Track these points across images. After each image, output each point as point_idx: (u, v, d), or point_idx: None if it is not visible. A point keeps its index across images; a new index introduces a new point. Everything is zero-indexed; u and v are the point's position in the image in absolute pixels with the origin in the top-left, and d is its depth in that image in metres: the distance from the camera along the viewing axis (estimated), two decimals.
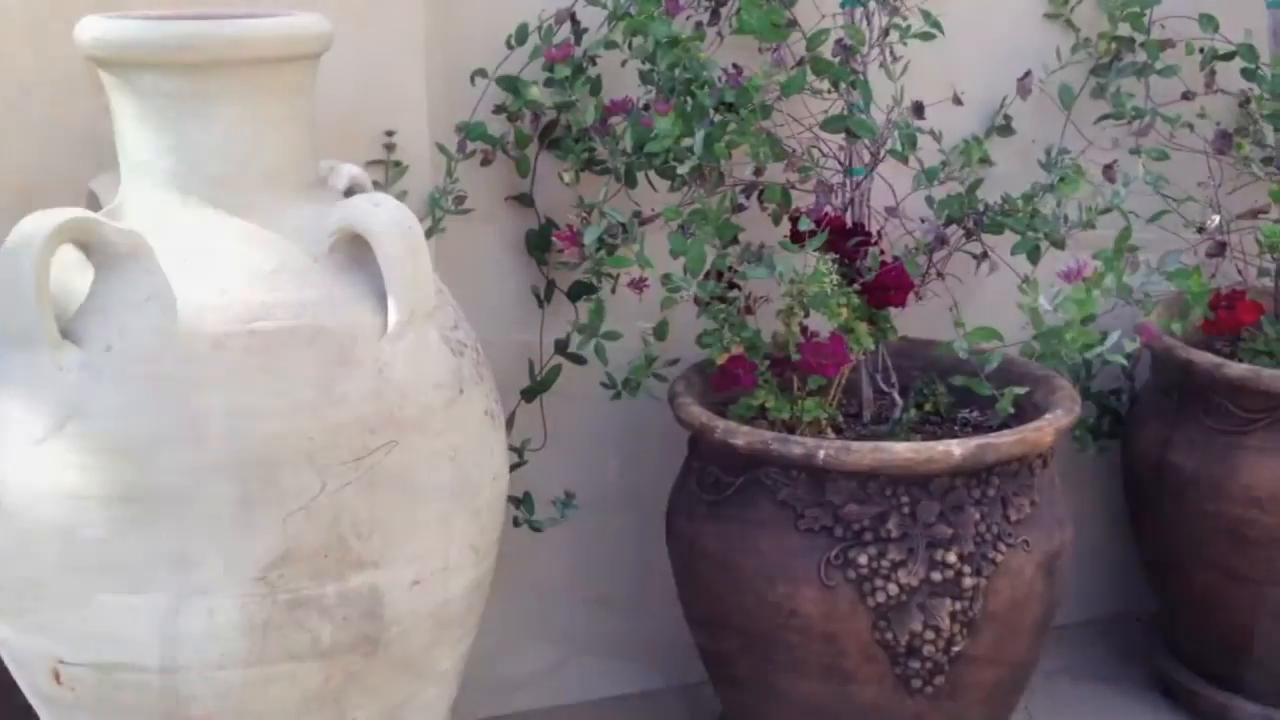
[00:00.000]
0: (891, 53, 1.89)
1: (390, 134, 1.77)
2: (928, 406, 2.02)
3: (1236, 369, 1.97)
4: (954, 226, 2.06)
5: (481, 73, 1.92)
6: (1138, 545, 2.25)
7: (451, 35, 1.94)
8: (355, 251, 1.34)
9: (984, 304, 2.08)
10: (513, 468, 2.02)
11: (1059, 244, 1.97)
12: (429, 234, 1.79)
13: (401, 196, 1.79)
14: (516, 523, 2.05)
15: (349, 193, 1.53)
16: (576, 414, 2.12)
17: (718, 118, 1.80)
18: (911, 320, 2.04)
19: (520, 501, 2.04)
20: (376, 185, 1.77)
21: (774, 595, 1.73)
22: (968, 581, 1.69)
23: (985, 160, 2.21)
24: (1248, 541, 1.98)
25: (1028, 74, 2.19)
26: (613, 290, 2.00)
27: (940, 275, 2.10)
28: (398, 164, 1.79)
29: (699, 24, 1.92)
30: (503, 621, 2.18)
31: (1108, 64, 2.22)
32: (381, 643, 1.33)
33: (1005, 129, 2.23)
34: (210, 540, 1.23)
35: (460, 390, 1.40)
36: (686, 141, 1.77)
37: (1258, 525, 1.96)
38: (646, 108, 1.84)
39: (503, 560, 2.13)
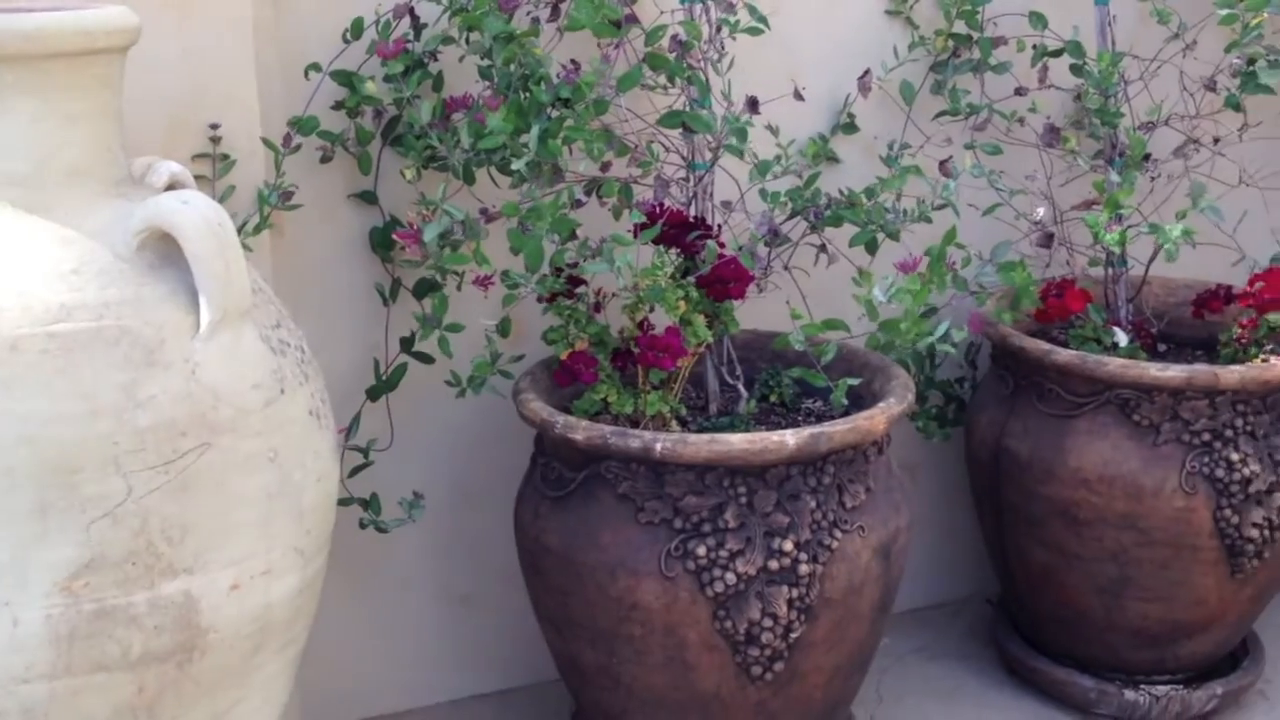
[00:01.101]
0: (721, 48, 1.91)
1: (215, 127, 1.73)
2: (773, 398, 2.04)
3: (1064, 355, 2.04)
4: (797, 220, 2.10)
5: (316, 67, 1.89)
6: (981, 528, 2.31)
7: (287, 29, 1.91)
8: (166, 250, 1.31)
9: (834, 296, 2.11)
10: (358, 468, 2.01)
11: (894, 236, 2.01)
12: (257, 230, 1.76)
13: (229, 192, 1.76)
14: (363, 524, 2.03)
15: (169, 189, 1.49)
16: (425, 413, 2.11)
17: (554, 113, 1.81)
18: (764, 313, 2.07)
19: (367, 503, 2.02)
20: (204, 181, 1.74)
21: (616, 589, 1.74)
22: (804, 568, 1.72)
23: (831, 157, 2.26)
24: (1079, 521, 2.05)
25: (867, 72, 2.23)
26: (459, 288, 1.99)
27: (786, 268, 2.14)
28: (226, 157, 1.75)
29: (536, 20, 1.92)
30: (357, 625, 2.16)
31: (945, 61, 2.28)
32: (198, 651, 1.30)
33: (850, 126, 2.27)
34: (8, 550, 1.19)
35: (281, 390, 1.38)
36: (524, 137, 1.77)
37: (1087, 505, 2.03)
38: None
39: (355, 563, 2.12)
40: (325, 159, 1.94)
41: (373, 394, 2.03)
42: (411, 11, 1.92)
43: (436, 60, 1.94)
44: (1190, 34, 2.19)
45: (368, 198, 2.01)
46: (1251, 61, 2.10)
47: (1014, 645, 2.29)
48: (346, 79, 1.90)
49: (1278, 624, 2.42)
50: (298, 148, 1.85)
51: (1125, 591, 2.07)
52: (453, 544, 2.20)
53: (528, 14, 1.94)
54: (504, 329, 1.96)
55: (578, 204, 1.88)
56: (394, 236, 1.92)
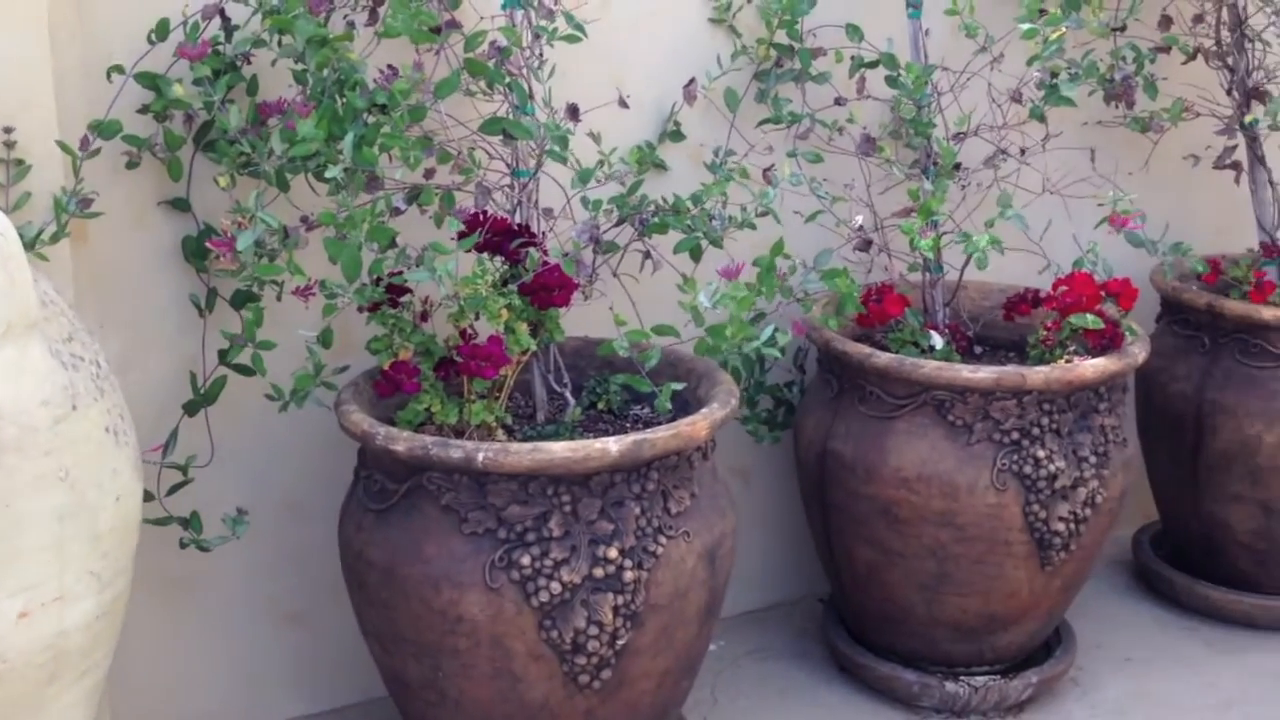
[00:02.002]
0: (541, 55, 1.91)
1: (9, 131, 1.65)
2: (601, 405, 2.05)
3: (883, 358, 2.10)
4: (624, 226, 2.11)
5: (118, 69, 1.82)
6: (811, 529, 2.36)
7: (89, 29, 1.83)
8: None
9: (666, 302, 2.12)
10: (176, 486, 1.94)
11: (717, 243, 2.04)
12: (54, 239, 1.68)
13: (24, 199, 1.68)
14: (183, 544, 1.96)
15: None
16: (247, 427, 2.05)
17: (371, 120, 1.77)
18: (597, 320, 2.07)
19: (187, 522, 1.95)
20: None
21: (440, 602, 1.72)
22: (630, 575, 1.72)
23: (658, 164, 2.28)
24: (899, 520, 2.11)
25: (692, 81, 2.26)
26: (279, 298, 1.94)
27: (615, 274, 2.15)
28: (20, 163, 1.67)
29: (351, 24, 1.88)
30: (180, 647, 2.08)
31: (768, 70, 2.32)
32: None
33: (676, 134, 2.29)
34: None
35: (73, 406, 1.32)
36: (339, 144, 1.73)
37: (907, 504, 2.09)
38: None
39: (177, 582, 2.05)
40: (131, 165, 1.87)
41: (190, 409, 1.96)
42: (222, 12, 1.86)
43: (250, 63, 1.89)
44: (997, 48, 2.28)
45: (180, 205, 1.94)
46: (1054, 75, 2.19)
47: (843, 643, 2.34)
48: (152, 81, 1.83)
49: (1087, 613, 2.54)
50: (97, 151, 1.77)
51: (944, 587, 2.13)
52: (279, 560, 2.14)
53: (344, 18, 1.90)
54: (325, 340, 1.92)
55: (397, 212, 1.85)
56: (208, 245, 1.86)
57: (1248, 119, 2.50)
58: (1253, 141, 2.56)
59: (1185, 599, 2.60)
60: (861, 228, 2.29)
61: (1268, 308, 2.38)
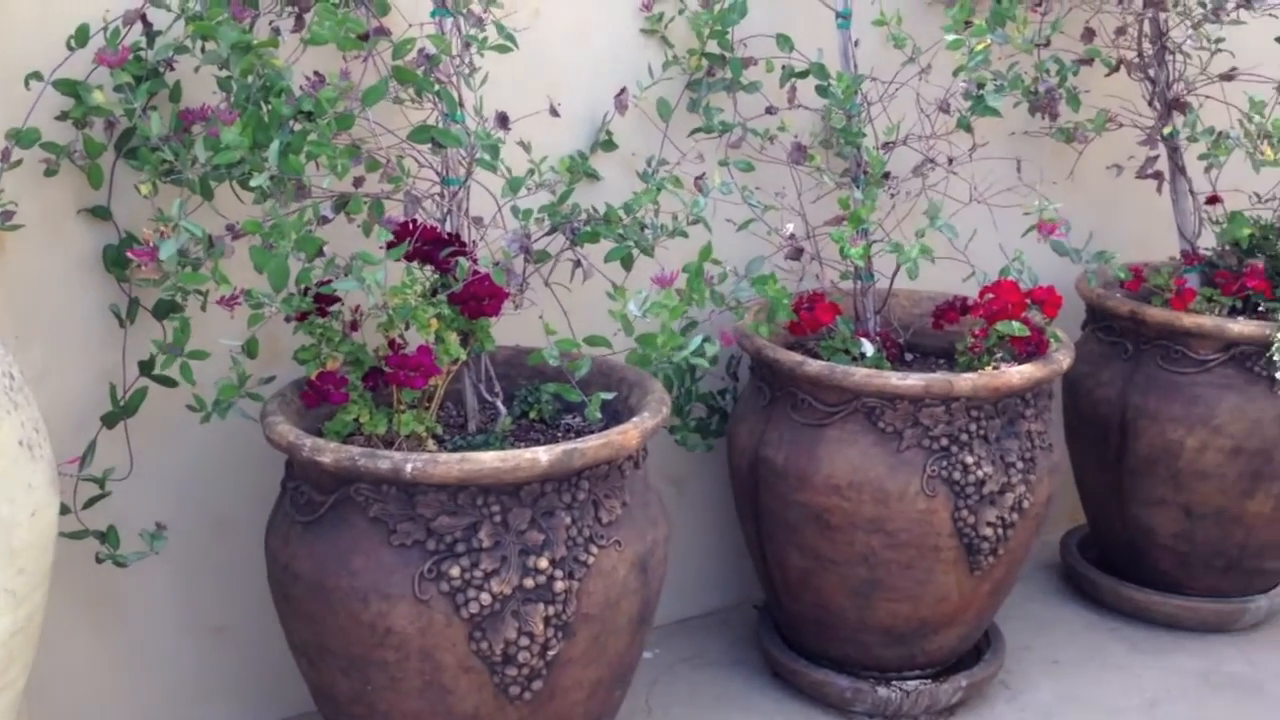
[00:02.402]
0: (472, 63, 1.90)
1: None
2: (532, 414, 2.04)
3: (814, 366, 2.11)
4: (556, 235, 2.10)
5: (37, 75, 1.78)
6: (744, 536, 2.36)
7: (7, 35, 1.79)
8: None
9: (599, 311, 2.11)
10: (93, 499, 1.90)
11: (648, 251, 2.04)
12: None
13: None
14: (100, 559, 1.91)
15: None
16: (169, 439, 2.01)
17: (297, 127, 1.75)
18: (531, 329, 2.06)
19: (104, 536, 1.91)
20: None
21: (368, 615, 1.69)
22: (560, 585, 1.72)
23: (591, 174, 2.28)
24: (831, 527, 2.12)
25: (623, 90, 2.26)
26: (203, 308, 1.91)
27: (547, 284, 2.14)
28: None
29: (276, 30, 1.86)
30: (102, 662, 2.04)
31: (700, 80, 2.33)
32: None
33: (609, 144, 2.29)
34: None
35: None
36: (265, 152, 1.71)
37: (838, 511, 2.11)
38: None
39: (98, 597, 2.00)
40: (50, 172, 1.83)
41: (109, 420, 1.92)
42: (144, 18, 1.83)
43: (173, 69, 1.86)
44: (925, 59, 2.30)
45: (100, 213, 1.90)
46: (980, 86, 2.22)
47: (777, 649, 2.35)
48: (71, 88, 1.79)
49: (1016, 616, 2.57)
50: (19, 163, 1.73)
51: (875, 592, 2.15)
52: (204, 574, 2.10)
53: (269, 24, 1.88)
54: (250, 350, 1.89)
55: (324, 220, 1.83)
56: (129, 254, 1.82)
57: (1167, 130, 2.56)
58: (1174, 152, 2.61)
59: (1111, 601, 2.64)
60: (793, 236, 2.30)
61: (1188, 315, 2.43)
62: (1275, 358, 2.31)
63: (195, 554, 2.08)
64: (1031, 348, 2.16)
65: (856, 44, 2.32)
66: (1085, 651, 2.52)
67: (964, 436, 2.08)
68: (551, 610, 1.72)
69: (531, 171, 1.99)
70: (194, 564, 2.09)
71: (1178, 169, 2.62)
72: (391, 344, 1.83)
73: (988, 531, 2.11)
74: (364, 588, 1.69)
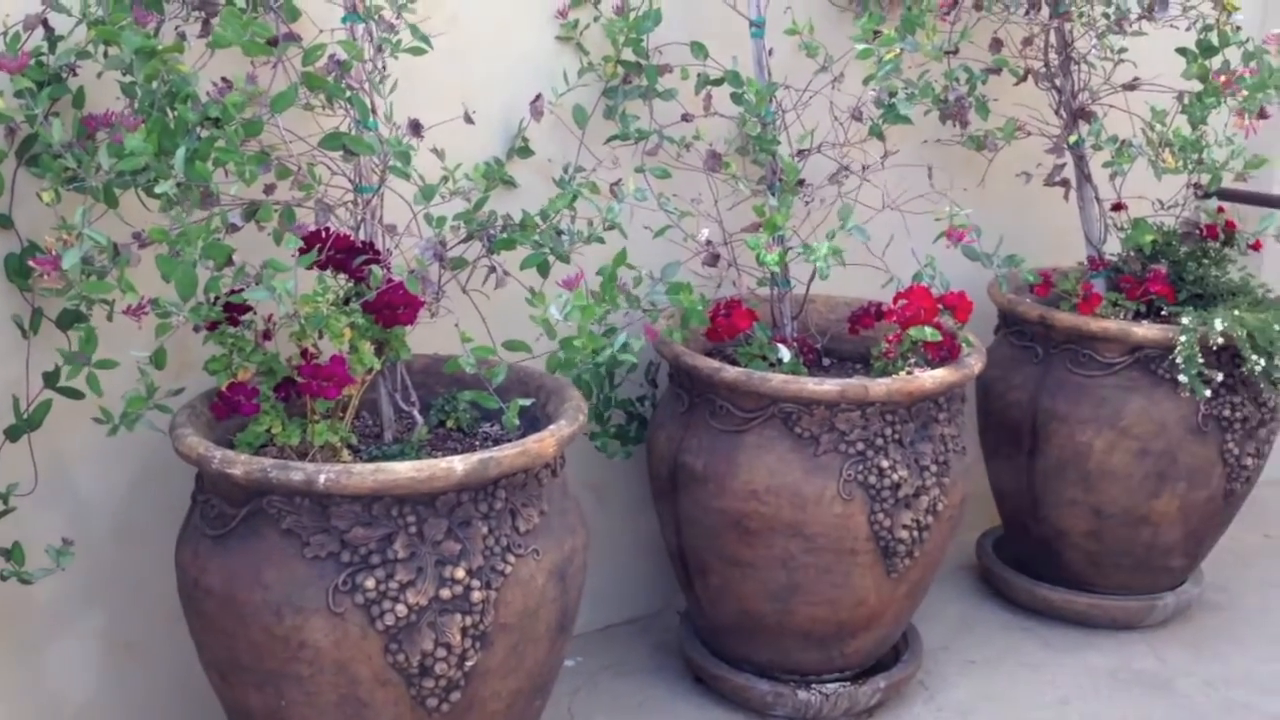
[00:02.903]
0: (384, 69, 1.88)
1: None
2: (450, 423, 2.02)
3: (732, 372, 2.12)
4: (472, 242, 2.09)
5: None
6: (665, 542, 2.37)
7: None
8: None
9: (518, 318, 2.09)
10: None
11: (564, 258, 2.04)
12: None
13: None
14: (4, 576, 1.86)
15: None
16: (76, 452, 1.96)
17: (204, 134, 1.72)
18: (450, 337, 2.03)
19: (8, 553, 1.86)
20: None
21: (282, 629, 1.67)
22: (477, 595, 1.70)
23: (507, 180, 2.27)
24: (749, 532, 2.13)
25: (538, 97, 2.26)
26: (109, 318, 1.86)
27: (464, 291, 2.12)
28: None
29: (182, 35, 1.83)
30: (9, 681, 1.98)
31: (615, 87, 2.33)
32: None
33: (525, 150, 2.29)
34: None
35: None
36: (171, 159, 1.67)
37: (757, 516, 2.12)
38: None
39: (5, 617, 1.94)
40: None
41: (12, 434, 1.87)
42: (45, 23, 1.79)
43: (75, 75, 1.81)
44: (837, 67, 2.33)
45: (1, 221, 1.85)
46: (892, 94, 2.26)
47: (699, 655, 2.36)
48: None
49: (933, 617, 2.61)
50: None
51: (794, 597, 2.17)
52: (112, 590, 2.05)
53: (175, 29, 1.84)
54: (158, 361, 1.85)
55: (233, 228, 1.80)
56: (31, 264, 1.77)
57: (1073, 139, 2.62)
58: (1080, 160, 2.68)
59: (1026, 601, 2.69)
60: (710, 242, 2.32)
61: (1095, 319, 2.49)
62: (1178, 360, 2.37)
63: (103, 570, 2.03)
64: (944, 352, 2.20)
65: (770, 52, 2.34)
66: (1001, 651, 2.57)
67: (879, 441, 2.11)
68: (469, 620, 1.70)
69: (446, 178, 1.97)
70: (102, 580, 2.04)
71: (1084, 176, 2.68)
72: (304, 353, 1.80)
73: (904, 534, 2.13)
74: (277, 601, 1.67)
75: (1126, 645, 2.59)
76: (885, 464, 2.10)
